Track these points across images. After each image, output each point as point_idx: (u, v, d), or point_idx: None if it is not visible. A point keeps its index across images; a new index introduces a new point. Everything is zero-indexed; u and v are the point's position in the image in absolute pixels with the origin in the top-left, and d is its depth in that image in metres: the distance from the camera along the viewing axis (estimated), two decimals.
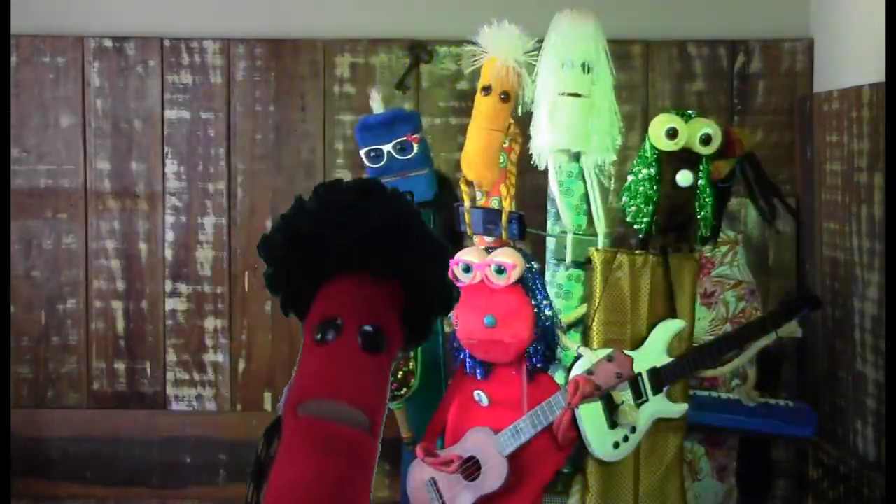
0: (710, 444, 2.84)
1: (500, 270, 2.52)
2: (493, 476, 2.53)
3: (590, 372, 2.39)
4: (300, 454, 2.01)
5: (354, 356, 2.05)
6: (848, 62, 2.92)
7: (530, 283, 2.54)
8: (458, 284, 2.58)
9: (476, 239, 2.68)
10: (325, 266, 2.12)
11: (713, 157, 2.59)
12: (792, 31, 3.19)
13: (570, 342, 2.61)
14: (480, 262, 2.54)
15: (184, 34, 3.22)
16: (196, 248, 3.26)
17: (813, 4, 3.17)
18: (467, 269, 2.56)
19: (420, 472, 2.68)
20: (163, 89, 3.22)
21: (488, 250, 2.58)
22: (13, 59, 3.20)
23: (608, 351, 2.45)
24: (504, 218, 2.61)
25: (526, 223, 2.64)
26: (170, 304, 3.27)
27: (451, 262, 2.57)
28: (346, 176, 3.21)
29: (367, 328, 2.07)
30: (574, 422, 2.47)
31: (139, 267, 3.26)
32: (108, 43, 3.21)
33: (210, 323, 3.27)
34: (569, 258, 2.66)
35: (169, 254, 3.25)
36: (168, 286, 3.26)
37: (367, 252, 2.09)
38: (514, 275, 2.52)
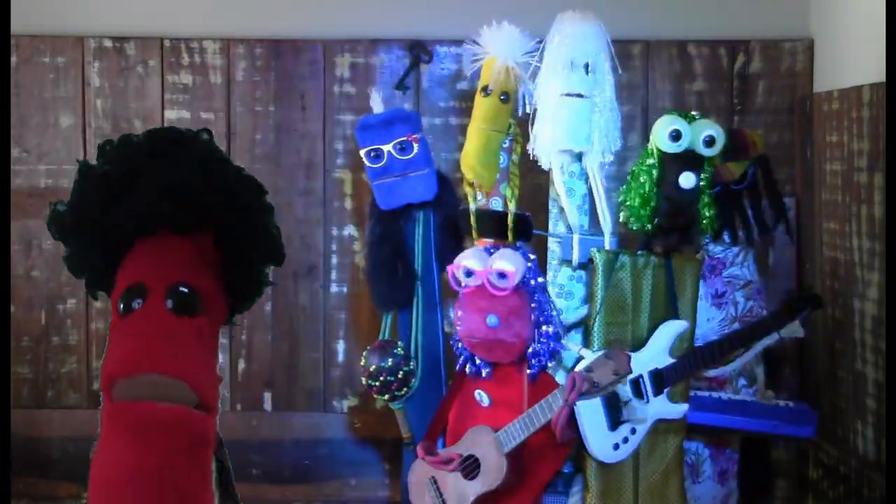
0: (715, 447, 2.84)
1: (502, 276, 2.52)
2: (493, 474, 2.53)
3: (588, 370, 2.39)
4: (117, 445, 1.77)
5: (163, 320, 1.82)
6: (848, 62, 2.92)
7: (532, 284, 2.54)
8: (459, 289, 2.58)
9: (476, 241, 2.68)
10: (122, 233, 1.90)
11: (726, 158, 2.58)
12: (792, 31, 3.19)
13: (571, 343, 2.61)
14: (482, 270, 2.53)
15: (184, 34, 3.22)
16: None
17: (813, 4, 3.17)
18: (469, 273, 2.56)
19: (420, 471, 2.68)
20: (163, 89, 3.22)
21: (489, 250, 2.58)
22: (13, 59, 3.19)
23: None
24: (510, 220, 2.61)
25: (532, 224, 2.64)
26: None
27: (452, 266, 2.57)
28: (346, 177, 3.21)
29: (179, 289, 1.85)
30: (573, 421, 2.47)
31: None
32: (108, 43, 3.21)
33: None
34: (575, 259, 2.66)
35: None
36: None
37: (160, 211, 1.87)
38: (515, 280, 2.51)
